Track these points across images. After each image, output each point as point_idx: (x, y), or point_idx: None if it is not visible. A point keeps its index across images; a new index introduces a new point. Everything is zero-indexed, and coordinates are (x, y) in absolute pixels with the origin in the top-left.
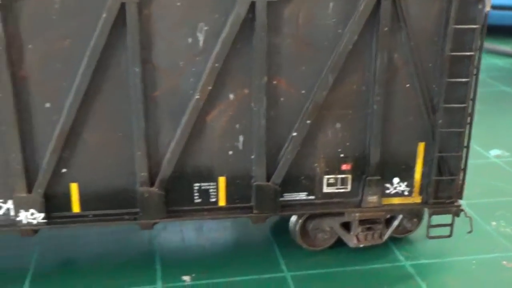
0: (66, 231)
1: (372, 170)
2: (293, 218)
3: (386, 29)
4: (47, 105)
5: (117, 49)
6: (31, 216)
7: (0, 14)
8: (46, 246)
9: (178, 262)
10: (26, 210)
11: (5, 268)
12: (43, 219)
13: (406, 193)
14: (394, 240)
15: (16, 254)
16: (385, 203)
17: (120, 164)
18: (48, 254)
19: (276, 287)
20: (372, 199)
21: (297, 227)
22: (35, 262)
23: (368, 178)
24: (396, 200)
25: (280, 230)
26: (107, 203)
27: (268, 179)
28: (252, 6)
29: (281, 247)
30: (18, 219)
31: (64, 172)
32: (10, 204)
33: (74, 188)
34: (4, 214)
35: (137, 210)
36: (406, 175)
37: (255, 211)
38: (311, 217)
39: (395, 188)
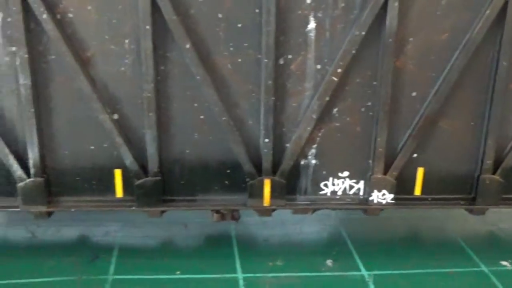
0: None
1: None
2: None
3: None
4: (414, 94)
5: (489, 44)
6: (382, 197)
7: (398, 7)
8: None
9: (481, 248)
10: (379, 190)
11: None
12: (391, 199)
13: None
14: None
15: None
16: None
17: (465, 152)
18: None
19: None
20: None
21: None
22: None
23: None
24: None
25: None
26: (446, 188)
27: None
28: None
29: None
30: (370, 198)
31: (415, 157)
32: (361, 185)
33: (420, 172)
34: (354, 193)
35: (472, 196)
36: None
37: None
38: None
39: None
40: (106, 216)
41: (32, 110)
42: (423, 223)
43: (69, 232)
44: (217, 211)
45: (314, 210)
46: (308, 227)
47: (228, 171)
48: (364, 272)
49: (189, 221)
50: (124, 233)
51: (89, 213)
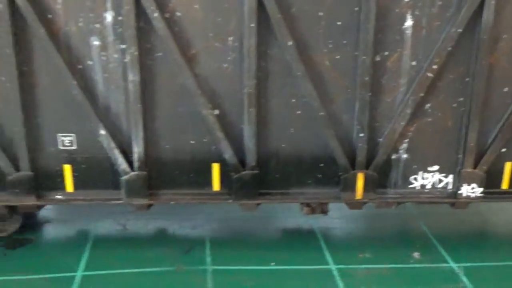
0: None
1: None
2: None
3: None
4: (505, 89)
5: None
6: (471, 190)
7: (494, 5)
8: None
9: None
10: (469, 184)
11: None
12: (480, 193)
13: None
14: None
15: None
16: None
17: None
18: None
19: None
20: None
21: None
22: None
23: None
24: None
25: None
26: None
27: None
28: None
29: None
30: (459, 192)
31: (503, 152)
32: (449, 179)
33: (508, 166)
34: (442, 187)
35: None
36: None
37: None
38: None
39: None
40: (187, 210)
41: (140, 105)
42: (496, 217)
43: (158, 225)
44: (307, 205)
45: (398, 204)
46: (387, 220)
47: (322, 165)
48: (452, 264)
49: (269, 214)
50: (211, 226)
51: (172, 207)
